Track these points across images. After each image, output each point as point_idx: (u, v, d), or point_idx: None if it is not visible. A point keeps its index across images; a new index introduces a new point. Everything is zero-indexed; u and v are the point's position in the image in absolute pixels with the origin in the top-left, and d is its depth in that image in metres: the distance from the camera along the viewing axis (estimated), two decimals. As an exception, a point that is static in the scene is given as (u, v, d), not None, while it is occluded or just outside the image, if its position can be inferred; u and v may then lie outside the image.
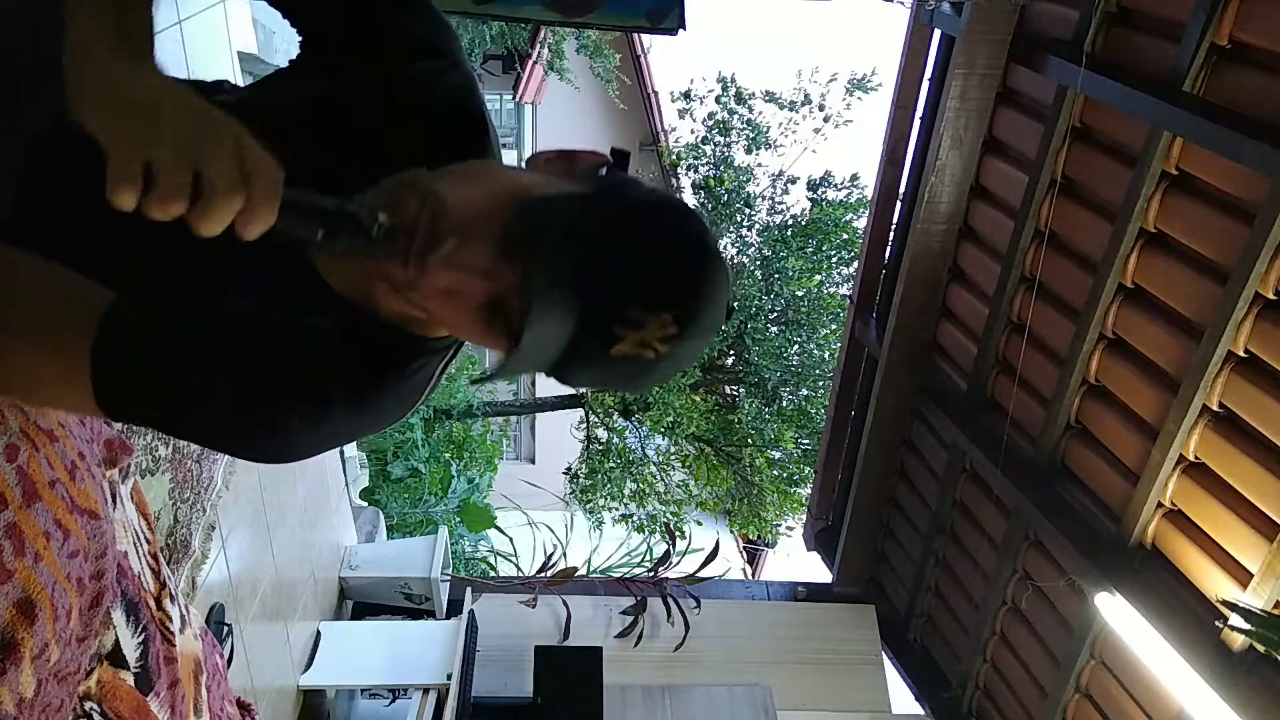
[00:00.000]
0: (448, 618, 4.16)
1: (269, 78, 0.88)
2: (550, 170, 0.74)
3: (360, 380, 0.75)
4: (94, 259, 0.74)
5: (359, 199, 0.66)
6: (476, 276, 0.65)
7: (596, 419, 7.31)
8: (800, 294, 7.28)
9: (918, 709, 4.18)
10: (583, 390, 7.39)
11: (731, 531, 8.97)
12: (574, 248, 0.63)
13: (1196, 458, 2.42)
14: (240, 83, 0.94)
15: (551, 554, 4.79)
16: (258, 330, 0.73)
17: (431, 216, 0.65)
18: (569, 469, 7.47)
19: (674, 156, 8.04)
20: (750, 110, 7.73)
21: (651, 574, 4.65)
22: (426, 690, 3.71)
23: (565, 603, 4.31)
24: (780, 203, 7.76)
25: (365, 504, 5.09)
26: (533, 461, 10.91)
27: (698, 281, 0.66)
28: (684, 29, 2.64)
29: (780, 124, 7.76)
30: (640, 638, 4.30)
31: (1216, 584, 2.39)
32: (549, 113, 9.29)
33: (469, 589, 4.26)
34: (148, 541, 1.32)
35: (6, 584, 0.82)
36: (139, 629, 1.19)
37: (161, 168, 0.56)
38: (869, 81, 7.60)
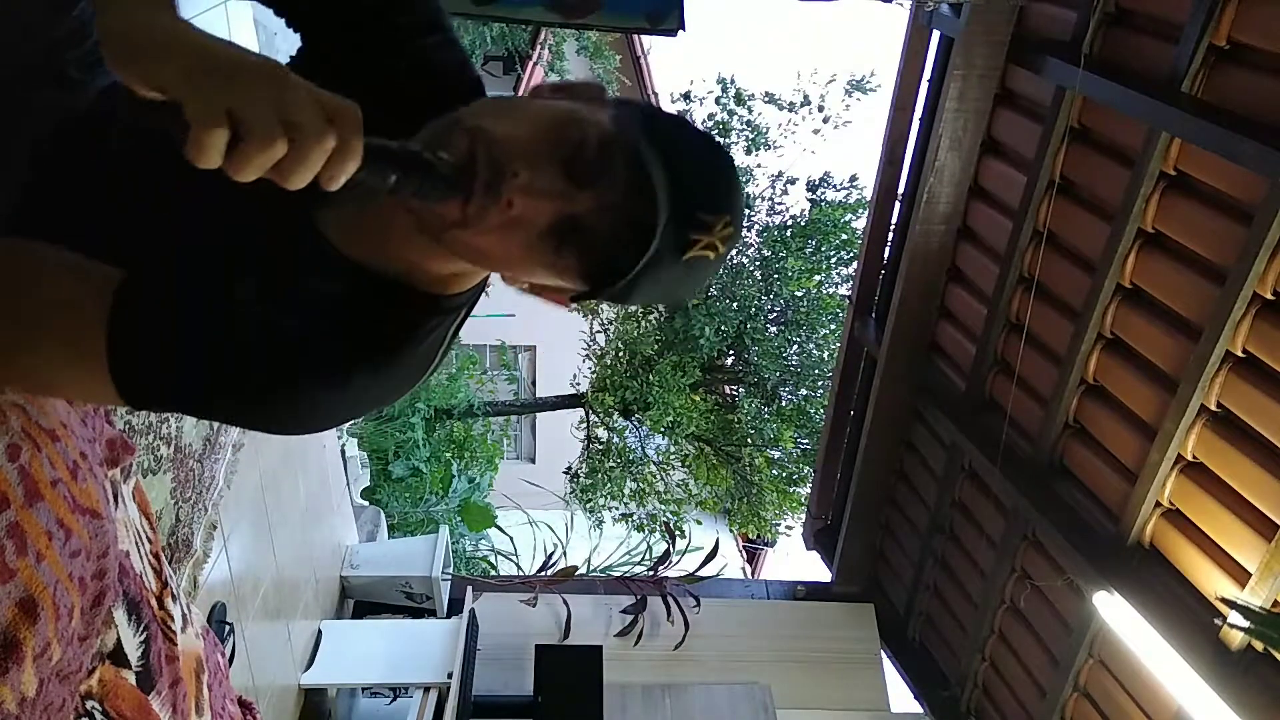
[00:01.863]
0: (448, 617, 4.17)
1: None
2: (555, 97, 0.75)
3: (375, 345, 0.75)
4: (99, 242, 0.74)
5: (408, 143, 0.65)
6: (549, 199, 0.67)
7: (596, 419, 7.32)
8: (800, 294, 7.29)
9: (916, 708, 4.19)
10: (583, 390, 7.40)
11: (731, 531, 8.98)
12: (660, 160, 0.66)
13: (1195, 457, 2.43)
14: None
15: (552, 553, 4.80)
16: (269, 306, 0.73)
17: (489, 149, 0.66)
18: (569, 468, 7.48)
19: (674, 157, 8.04)
20: (750, 111, 7.75)
21: (651, 573, 4.66)
22: (427, 689, 3.72)
23: (565, 601, 4.32)
24: (780, 203, 7.78)
25: (366, 503, 5.10)
26: (533, 461, 10.92)
27: (734, 181, 0.72)
28: (684, 30, 2.64)
29: (780, 125, 7.77)
30: (640, 636, 4.30)
31: (1215, 583, 2.40)
32: (549, 113, 9.28)
33: (470, 588, 4.27)
34: (149, 541, 1.33)
35: (9, 583, 0.82)
36: (141, 628, 1.20)
37: (251, 114, 0.52)
38: (868, 83, 7.61)
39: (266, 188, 0.70)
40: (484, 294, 0.87)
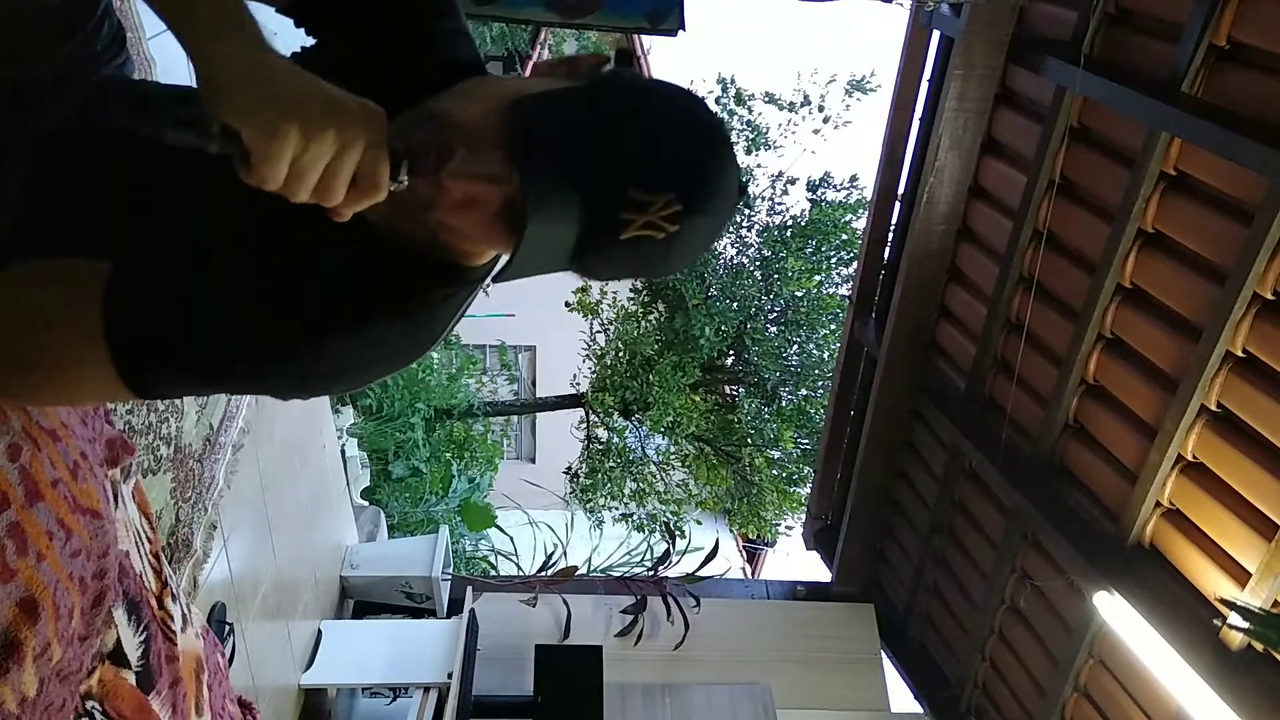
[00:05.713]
0: (448, 617, 4.17)
1: None
2: (553, 74, 0.75)
3: (389, 299, 0.77)
4: (101, 239, 0.76)
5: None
6: (488, 183, 0.67)
7: (596, 419, 7.31)
8: (800, 294, 7.29)
9: (916, 708, 4.19)
10: (583, 390, 7.40)
11: (731, 531, 8.98)
12: (567, 138, 0.64)
13: (1195, 457, 2.43)
14: None
15: (552, 553, 4.80)
16: (269, 266, 0.75)
17: (440, 134, 0.68)
18: (569, 468, 7.48)
19: (674, 157, 8.03)
20: (750, 111, 7.74)
21: (651, 573, 4.66)
22: (427, 689, 3.72)
23: (565, 602, 4.32)
24: (780, 203, 7.77)
25: (366, 503, 5.10)
26: (533, 461, 10.92)
27: (697, 157, 0.67)
28: (684, 30, 2.64)
29: (780, 125, 7.76)
30: (640, 637, 4.30)
31: (1215, 583, 2.40)
32: (549, 113, 9.28)
33: (470, 588, 4.26)
34: (149, 540, 1.33)
35: (10, 583, 0.82)
36: (141, 628, 1.20)
37: (301, 167, 0.61)
38: (868, 82, 7.60)
39: None
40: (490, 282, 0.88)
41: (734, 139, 7.58)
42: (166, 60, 2.32)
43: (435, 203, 0.69)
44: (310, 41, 0.88)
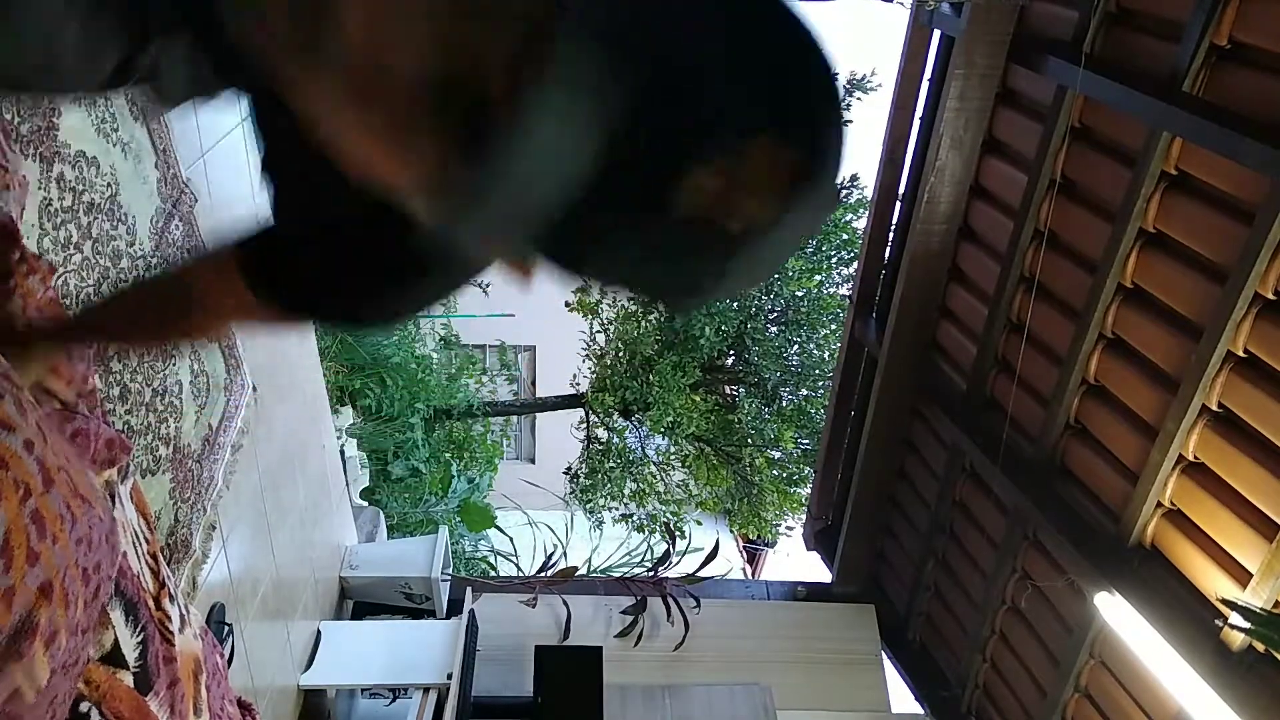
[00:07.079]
0: (448, 617, 4.16)
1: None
2: None
3: None
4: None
5: None
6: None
7: (597, 419, 7.31)
8: (800, 294, 7.28)
9: (917, 708, 4.18)
10: (583, 390, 7.39)
11: (731, 531, 8.97)
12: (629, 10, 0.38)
13: (1196, 457, 2.42)
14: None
15: (552, 554, 4.79)
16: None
17: None
18: (569, 469, 7.47)
19: (674, 156, 8.03)
20: (750, 110, 7.73)
21: (651, 574, 4.65)
22: (427, 690, 3.71)
23: (565, 602, 4.32)
24: (780, 203, 7.76)
25: (366, 504, 5.09)
26: (533, 461, 10.92)
27: (829, 106, 0.39)
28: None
29: (780, 124, 7.75)
30: (640, 637, 4.30)
31: (1216, 583, 2.39)
32: (549, 113, 9.27)
33: (469, 589, 4.26)
34: (147, 541, 1.33)
35: (35, 566, 0.82)
36: (138, 629, 1.19)
37: None
38: (868, 82, 7.59)
39: None
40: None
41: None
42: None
43: None
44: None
